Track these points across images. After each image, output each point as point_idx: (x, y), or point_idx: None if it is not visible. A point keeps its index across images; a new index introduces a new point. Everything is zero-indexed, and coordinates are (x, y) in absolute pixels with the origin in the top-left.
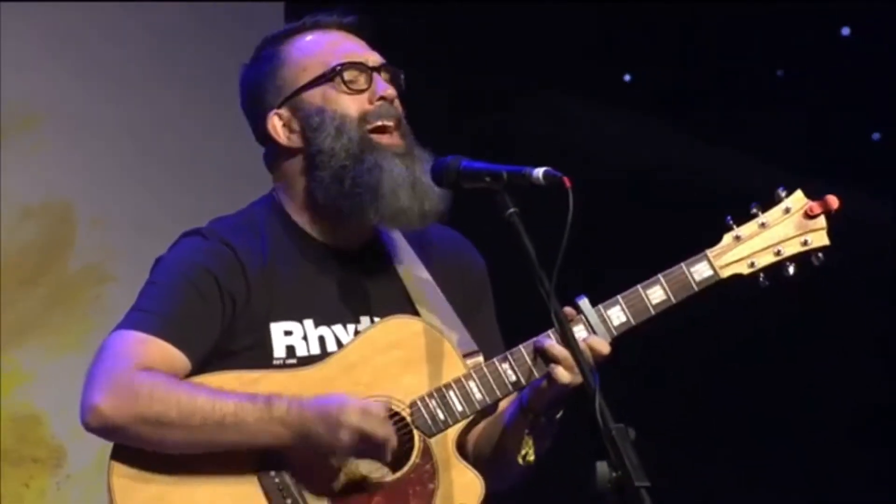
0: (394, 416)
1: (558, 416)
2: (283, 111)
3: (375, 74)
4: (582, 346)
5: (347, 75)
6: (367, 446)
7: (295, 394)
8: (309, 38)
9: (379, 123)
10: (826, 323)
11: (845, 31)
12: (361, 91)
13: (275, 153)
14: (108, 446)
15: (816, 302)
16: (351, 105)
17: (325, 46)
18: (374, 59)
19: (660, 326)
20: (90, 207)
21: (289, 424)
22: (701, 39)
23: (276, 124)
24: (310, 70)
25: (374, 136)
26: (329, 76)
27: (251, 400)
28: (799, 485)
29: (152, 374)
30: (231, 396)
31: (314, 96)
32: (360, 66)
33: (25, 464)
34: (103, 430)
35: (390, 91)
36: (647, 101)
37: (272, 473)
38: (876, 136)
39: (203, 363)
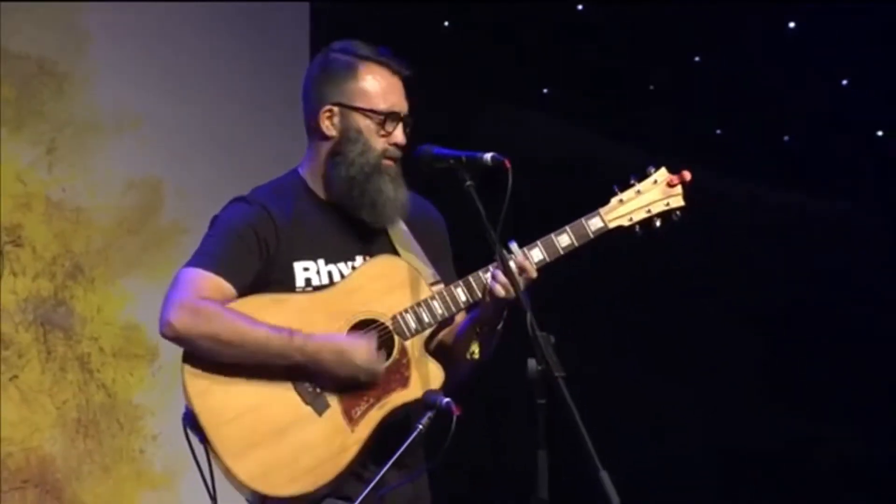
0: (380, 325)
1: (499, 327)
2: (335, 109)
3: (401, 123)
4: (515, 269)
5: (388, 123)
6: (364, 378)
7: (311, 310)
8: (378, 70)
9: (389, 156)
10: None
11: (696, 58)
12: (389, 134)
13: (314, 129)
14: None
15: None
16: (379, 142)
17: (385, 90)
18: (405, 109)
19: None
20: (174, 181)
21: (305, 353)
22: (600, 67)
23: (325, 115)
24: (367, 100)
25: (384, 162)
26: (375, 118)
27: (278, 332)
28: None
29: (213, 303)
30: (265, 326)
31: (360, 120)
32: (396, 118)
33: (130, 359)
34: (175, 339)
35: (403, 141)
36: (562, 109)
37: (301, 378)
38: (718, 131)
39: (245, 291)
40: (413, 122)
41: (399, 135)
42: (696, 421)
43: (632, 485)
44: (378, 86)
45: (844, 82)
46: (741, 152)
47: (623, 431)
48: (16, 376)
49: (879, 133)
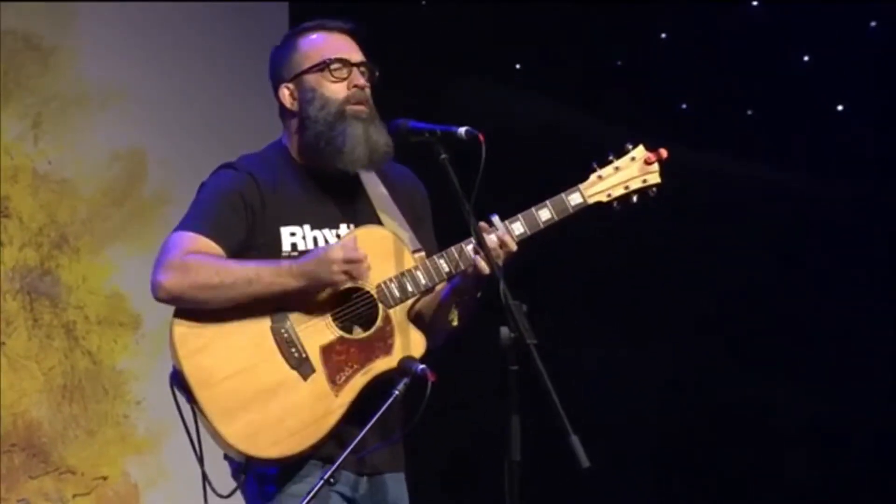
0: (364, 294)
1: (478, 296)
2: (291, 85)
3: (355, 69)
4: (495, 243)
5: (334, 67)
6: (351, 267)
7: None
8: (314, 35)
9: (354, 101)
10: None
11: (663, 35)
12: (343, 79)
13: (283, 111)
14: (169, 315)
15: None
16: (334, 89)
17: (323, 43)
18: (356, 57)
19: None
20: (157, 152)
21: (294, 273)
22: (570, 44)
23: (285, 93)
24: (310, 59)
25: (349, 108)
26: (321, 66)
27: (266, 263)
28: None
29: (197, 255)
30: (253, 262)
31: (310, 79)
32: (344, 62)
33: (115, 327)
34: (168, 299)
35: (362, 82)
36: (533, 84)
37: (280, 327)
38: (683, 105)
39: (233, 253)
40: (375, 71)
41: (356, 77)
42: (664, 387)
43: (599, 448)
44: (316, 43)
45: (806, 58)
46: (706, 126)
47: (593, 398)
48: (3, 343)
49: (840, 108)
